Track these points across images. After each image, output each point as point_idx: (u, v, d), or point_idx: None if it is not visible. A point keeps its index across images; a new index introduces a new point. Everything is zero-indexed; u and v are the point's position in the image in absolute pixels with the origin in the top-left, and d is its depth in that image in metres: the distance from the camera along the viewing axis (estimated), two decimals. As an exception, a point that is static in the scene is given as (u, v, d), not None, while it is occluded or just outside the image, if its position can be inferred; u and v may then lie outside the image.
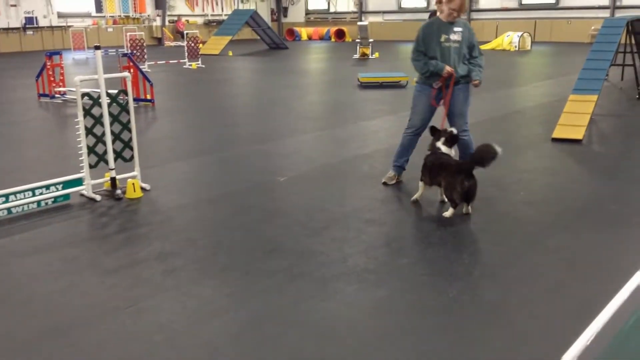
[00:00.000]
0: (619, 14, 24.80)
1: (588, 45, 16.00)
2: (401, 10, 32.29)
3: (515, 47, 23.17)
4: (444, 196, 4.92)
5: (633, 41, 11.26)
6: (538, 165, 6.38)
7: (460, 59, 5.36)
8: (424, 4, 30.81)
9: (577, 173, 6.22)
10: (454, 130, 5.18)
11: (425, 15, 17.46)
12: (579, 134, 7.31)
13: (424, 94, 5.48)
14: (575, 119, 7.53)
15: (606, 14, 25.32)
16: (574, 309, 3.27)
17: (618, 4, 25.95)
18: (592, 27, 25.16)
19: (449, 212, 4.76)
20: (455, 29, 5.33)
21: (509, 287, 3.57)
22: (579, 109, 7.65)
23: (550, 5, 27.77)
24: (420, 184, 5.13)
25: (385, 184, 5.64)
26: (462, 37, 5.32)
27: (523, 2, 28.44)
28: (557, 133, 7.43)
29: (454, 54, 5.33)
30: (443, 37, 5.31)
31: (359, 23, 21.04)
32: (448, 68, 5.28)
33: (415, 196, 5.15)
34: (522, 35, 23.60)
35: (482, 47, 23.80)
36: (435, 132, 5.19)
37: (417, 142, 5.65)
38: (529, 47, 23.75)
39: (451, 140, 5.11)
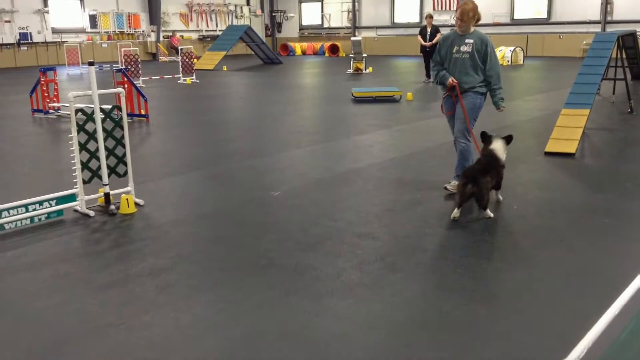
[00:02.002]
0: (610, 28, 25.07)
1: (580, 59, 16.14)
2: (394, 25, 32.51)
3: (508, 61, 23.35)
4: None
5: (624, 55, 11.37)
6: (531, 179, 6.41)
7: (471, 70, 5.53)
8: (417, 19, 31.05)
9: (570, 186, 6.25)
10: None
11: (418, 31, 17.57)
12: (571, 147, 7.35)
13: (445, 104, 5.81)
14: (567, 132, 7.58)
15: (597, 28, 25.58)
16: (569, 321, 3.27)
17: (609, 18, 26.22)
18: (584, 42, 25.39)
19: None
20: (467, 40, 5.54)
21: (503, 301, 3.57)
22: (571, 123, 7.70)
23: (542, 20, 28.03)
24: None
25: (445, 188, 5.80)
26: (473, 48, 5.48)
27: (515, 17, 28.72)
28: (550, 147, 7.47)
29: (463, 65, 5.55)
30: (455, 48, 5.57)
31: (352, 38, 21.16)
32: (451, 79, 5.53)
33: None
34: (514, 49, 23.79)
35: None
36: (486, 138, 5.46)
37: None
38: (521, 62, 23.94)
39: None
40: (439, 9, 29.81)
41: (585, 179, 6.52)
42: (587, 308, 3.41)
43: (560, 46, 27.18)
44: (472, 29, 5.59)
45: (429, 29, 16.50)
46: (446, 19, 28.94)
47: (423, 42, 16.52)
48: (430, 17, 16.98)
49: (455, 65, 5.59)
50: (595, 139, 8.55)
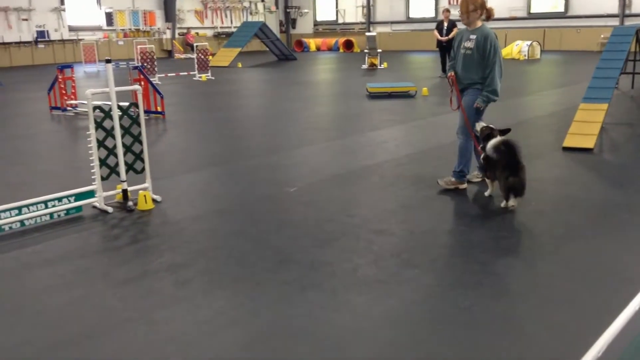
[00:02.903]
0: (628, 22, 24.74)
1: (598, 53, 15.96)
2: (409, 20, 32.37)
3: (525, 56, 23.14)
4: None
5: (643, 49, 11.22)
6: (549, 175, 6.35)
7: (472, 66, 5.50)
8: (433, 14, 30.88)
9: (589, 182, 6.19)
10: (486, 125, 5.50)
11: (435, 25, 17.46)
12: (590, 142, 7.28)
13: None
14: (585, 127, 7.50)
15: (615, 22, 25.25)
16: (587, 318, 3.25)
17: (627, 12, 25.86)
18: (602, 36, 25.09)
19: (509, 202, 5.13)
20: (471, 36, 5.51)
21: (521, 297, 3.55)
22: (589, 118, 7.62)
23: (559, 14, 27.73)
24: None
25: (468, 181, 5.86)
26: (475, 44, 5.45)
27: (532, 11, 28.44)
28: (568, 142, 7.40)
29: (465, 61, 5.55)
30: (462, 45, 5.58)
31: (367, 33, 21.11)
32: (450, 73, 5.67)
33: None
34: (531, 44, 23.56)
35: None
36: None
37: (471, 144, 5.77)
38: (538, 56, 23.72)
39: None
40: (455, 2, 29.61)
41: (604, 174, 6.46)
42: (606, 305, 3.38)
43: (577, 40, 26.88)
44: (479, 23, 5.51)
45: (445, 23, 16.38)
46: (462, 13, 28.70)
47: (439, 37, 16.41)
48: (447, 11, 16.85)
49: (460, 61, 5.60)
50: (614, 133, 8.45)
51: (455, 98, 5.84)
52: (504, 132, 5.39)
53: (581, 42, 26.60)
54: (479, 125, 5.52)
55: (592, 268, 3.95)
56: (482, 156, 5.45)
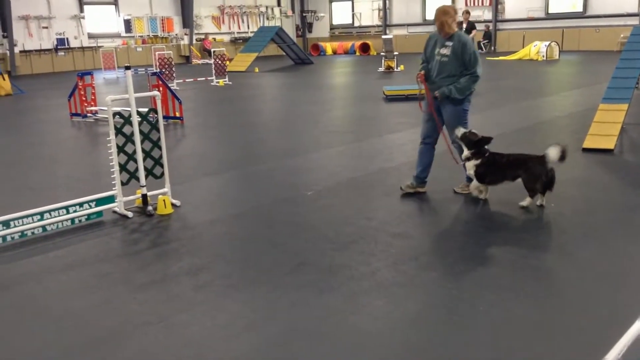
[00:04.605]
0: (648, 20, 24.41)
1: (617, 53, 15.76)
2: (426, 22, 32.23)
3: (543, 56, 22.92)
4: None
5: (664, 48, 11.05)
6: (569, 176, 6.29)
7: (449, 74, 5.35)
8: (449, 16, 30.73)
9: (609, 183, 6.12)
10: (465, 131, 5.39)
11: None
12: (610, 143, 7.19)
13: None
14: (605, 128, 7.42)
15: (635, 21, 24.91)
16: (607, 321, 3.21)
17: (647, 10, 25.53)
18: (621, 35, 24.76)
19: (526, 202, 5.17)
20: (447, 42, 5.38)
21: (540, 299, 3.52)
22: (609, 118, 7.53)
23: (577, 14, 27.44)
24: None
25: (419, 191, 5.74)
26: (452, 51, 5.32)
27: (550, 11, 28.18)
28: (588, 143, 7.33)
29: (442, 68, 5.41)
30: (437, 50, 5.46)
31: (383, 36, 21.09)
32: (419, 72, 5.54)
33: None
34: (549, 44, 23.34)
35: (509, 57, 23.76)
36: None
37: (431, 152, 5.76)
38: (557, 57, 23.48)
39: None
40: (472, 4, 29.46)
41: (625, 175, 6.37)
42: (626, 308, 3.34)
43: (596, 40, 26.56)
44: (455, 29, 5.38)
45: (464, 25, 16.32)
46: (479, 14, 28.60)
47: (457, 39, 16.34)
48: (467, 12, 16.81)
49: (436, 67, 5.45)
50: (635, 134, 8.34)
51: (424, 103, 5.65)
52: (486, 140, 5.32)
53: (600, 42, 26.28)
54: (460, 131, 5.36)
55: (612, 270, 3.90)
56: (478, 162, 5.28)
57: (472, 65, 5.28)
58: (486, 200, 5.43)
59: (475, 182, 5.40)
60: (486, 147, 5.32)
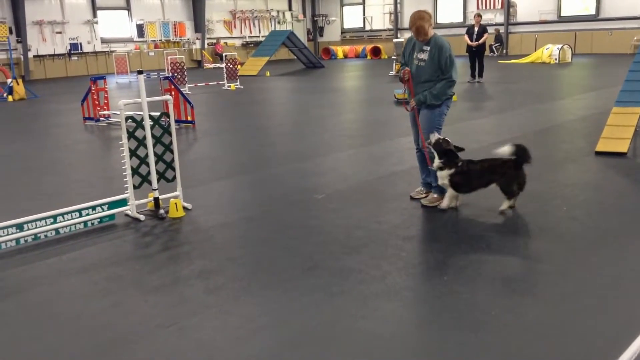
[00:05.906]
0: (662, 23, 24.20)
1: (630, 56, 15.64)
2: (437, 25, 32.19)
3: (556, 59, 22.80)
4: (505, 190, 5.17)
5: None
6: (581, 180, 6.25)
7: (427, 78, 5.32)
8: (461, 19, 30.68)
9: (622, 187, 6.07)
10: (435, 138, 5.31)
11: (462, 30, 17.38)
12: (623, 147, 7.14)
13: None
14: (619, 131, 7.36)
15: (649, 24, 24.74)
16: (620, 325, 3.18)
17: (661, 13, 25.33)
18: (635, 38, 24.61)
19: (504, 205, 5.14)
20: (425, 47, 5.34)
21: (552, 304, 3.50)
22: (622, 122, 7.48)
23: (590, 17, 27.27)
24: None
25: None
26: (429, 56, 5.27)
27: (562, 14, 28.04)
28: (601, 146, 7.27)
29: (419, 73, 5.37)
30: (415, 54, 5.42)
31: (394, 40, 21.09)
32: (405, 69, 5.45)
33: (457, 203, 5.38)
34: (562, 47, 23.21)
35: (521, 60, 23.64)
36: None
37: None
38: (569, 60, 23.34)
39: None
40: (484, 7, 29.38)
41: (638, 179, 6.32)
42: (639, 312, 3.31)
43: (609, 43, 26.38)
44: (431, 33, 5.33)
45: (476, 28, 16.29)
46: (491, 17, 28.52)
47: (469, 42, 16.33)
48: (479, 16, 16.77)
49: (415, 71, 5.41)
50: (649, 137, 8.27)
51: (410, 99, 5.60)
52: (458, 149, 5.27)
53: (613, 45, 26.10)
54: (434, 137, 5.27)
55: (626, 275, 3.87)
56: (452, 171, 5.16)
57: (447, 69, 5.24)
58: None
59: (451, 192, 5.28)
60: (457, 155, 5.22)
